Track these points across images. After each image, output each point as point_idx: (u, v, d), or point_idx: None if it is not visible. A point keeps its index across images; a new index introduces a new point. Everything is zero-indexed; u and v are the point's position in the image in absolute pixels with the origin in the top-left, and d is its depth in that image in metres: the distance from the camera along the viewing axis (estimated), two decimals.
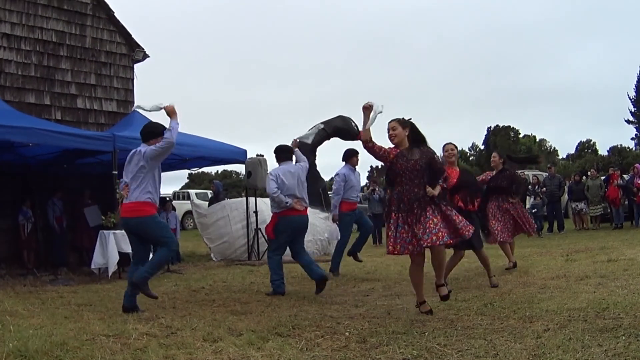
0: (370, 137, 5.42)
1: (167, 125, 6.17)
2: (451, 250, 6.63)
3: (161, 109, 6.18)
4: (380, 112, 5.39)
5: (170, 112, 6.16)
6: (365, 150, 5.51)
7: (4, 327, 4.97)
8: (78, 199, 11.70)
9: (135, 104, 6.22)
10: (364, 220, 9.16)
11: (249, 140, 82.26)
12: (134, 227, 6.09)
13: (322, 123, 14.17)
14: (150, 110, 6.34)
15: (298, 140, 7.98)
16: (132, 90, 12.84)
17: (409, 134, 5.47)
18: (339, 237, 8.68)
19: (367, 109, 5.35)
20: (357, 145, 9.42)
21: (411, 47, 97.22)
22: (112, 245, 8.94)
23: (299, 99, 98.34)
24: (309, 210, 8.32)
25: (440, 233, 5.15)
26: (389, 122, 5.52)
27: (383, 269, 9.08)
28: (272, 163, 12.20)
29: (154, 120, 6.98)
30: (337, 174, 8.87)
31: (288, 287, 7.57)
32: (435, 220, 5.21)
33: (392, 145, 5.51)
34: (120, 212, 6.31)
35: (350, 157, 8.91)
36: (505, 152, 9.06)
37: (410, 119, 5.55)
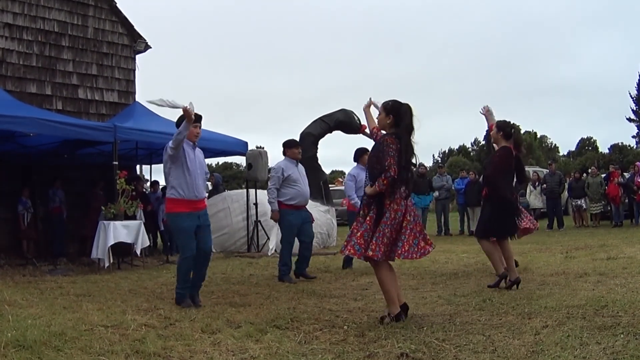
0: (372, 129, 5.29)
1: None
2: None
3: (177, 107, 5.62)
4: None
5: (186, 114, 5.59)
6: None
7: (2, 317, 4.97)
8: (91, 189, 11.63)
9: (151, 99, 5.68)
10: None
11: (252, 131, 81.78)
12: None
13: (323, 116, 14.13)
14: (160, 105, 5.72)
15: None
16: (133, 81, 12.85)
17: (392, 121, 4.86)
18: None
19: (368, 107, 5.39)
20: (359, 139, 9.43)
21: (422, 39, 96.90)
22: (110, 236, 8.93)
23: (305, 89, 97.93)
24: (310, 203, 8.39)
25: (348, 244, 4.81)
26: None
27: None
28: (272, 155, 12.26)
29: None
30: (348, 174, 8.85)
31: None
32: (357, 227, 4.82)
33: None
34: None
35: (360, 156, 8.81)
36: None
37: (404, 103, 4.93)
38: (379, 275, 4.86)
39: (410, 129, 4.83)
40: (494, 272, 6.61)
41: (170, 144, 5.76)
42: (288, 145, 8.07)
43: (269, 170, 8.47)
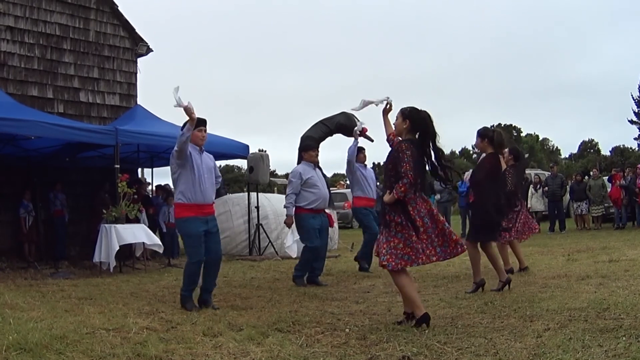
0: (389, 134, 5.30)
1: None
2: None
3: (180, 106, 5.50)
4: (375, 103, 5.43)
5: (187, 115, 5.58)
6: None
7: (4, 320, 4.97)
8: (97, 191, 11.60)
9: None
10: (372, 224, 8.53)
11: (256, 133, 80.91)
12: None
13: (324, 119, 14.12)
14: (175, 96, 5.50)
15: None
16: (135, 84, 12.88)
17: (409, 126, 4.87)
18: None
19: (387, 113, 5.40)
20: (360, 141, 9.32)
21: (428, 39, 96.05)
22: (113, 239, 8.94)
23: (313, 89, 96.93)
24: None
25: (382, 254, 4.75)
26: None
27: None
28: (273, 158, 12.22)
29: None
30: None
31: (288, 283, 7.58)
32: (381, 237, 4.83)
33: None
34: None
35: (305, 151, 8.70)
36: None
37: (422, 110, 4.93)
38: (398, 282, 4.80)
39: (434, 135, 4.86)
40: (497, 275, 6.63)
41: (175, 147, 5.76)
42: (305, 149, 7.97)
43: (271, 173, 8.35)
